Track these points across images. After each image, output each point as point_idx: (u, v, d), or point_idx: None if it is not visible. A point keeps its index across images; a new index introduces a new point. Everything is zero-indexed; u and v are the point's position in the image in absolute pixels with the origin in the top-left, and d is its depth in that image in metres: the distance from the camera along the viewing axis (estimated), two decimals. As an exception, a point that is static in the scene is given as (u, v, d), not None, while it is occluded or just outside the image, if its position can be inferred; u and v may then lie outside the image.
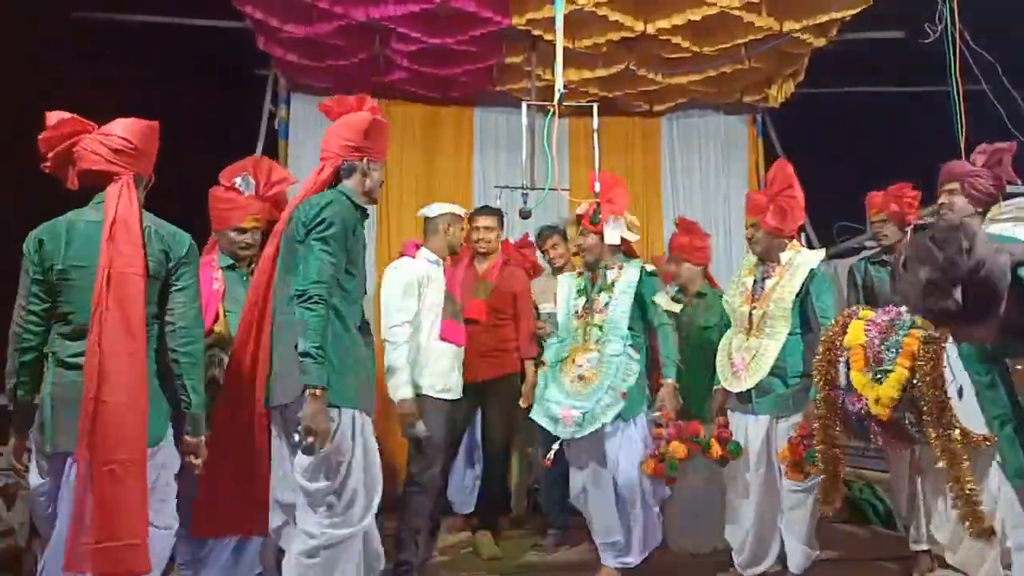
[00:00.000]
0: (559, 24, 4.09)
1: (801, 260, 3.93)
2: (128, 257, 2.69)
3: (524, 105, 4.41)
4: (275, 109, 6.91)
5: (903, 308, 3.23)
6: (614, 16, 5.70)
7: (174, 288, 2.82)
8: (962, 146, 4.19)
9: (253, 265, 3.62)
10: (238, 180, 3.65)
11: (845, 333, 3.32)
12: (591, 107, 4.38)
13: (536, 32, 5.89)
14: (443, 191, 6.93)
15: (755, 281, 4.01)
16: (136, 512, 2.58)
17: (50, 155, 2.85)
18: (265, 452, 3.02)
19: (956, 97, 4.25)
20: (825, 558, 4.09)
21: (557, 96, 3.94)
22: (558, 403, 4.05)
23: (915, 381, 3.01)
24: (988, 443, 2.85)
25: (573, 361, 4.11)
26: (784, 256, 3.97)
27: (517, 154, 6.10)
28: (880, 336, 3.19)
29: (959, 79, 4.29)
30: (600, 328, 4.08)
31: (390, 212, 6.98)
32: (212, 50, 6.76)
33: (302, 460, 2.84)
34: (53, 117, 2.86)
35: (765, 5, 5.72)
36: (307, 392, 2.75)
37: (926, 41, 4.48)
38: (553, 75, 4.62)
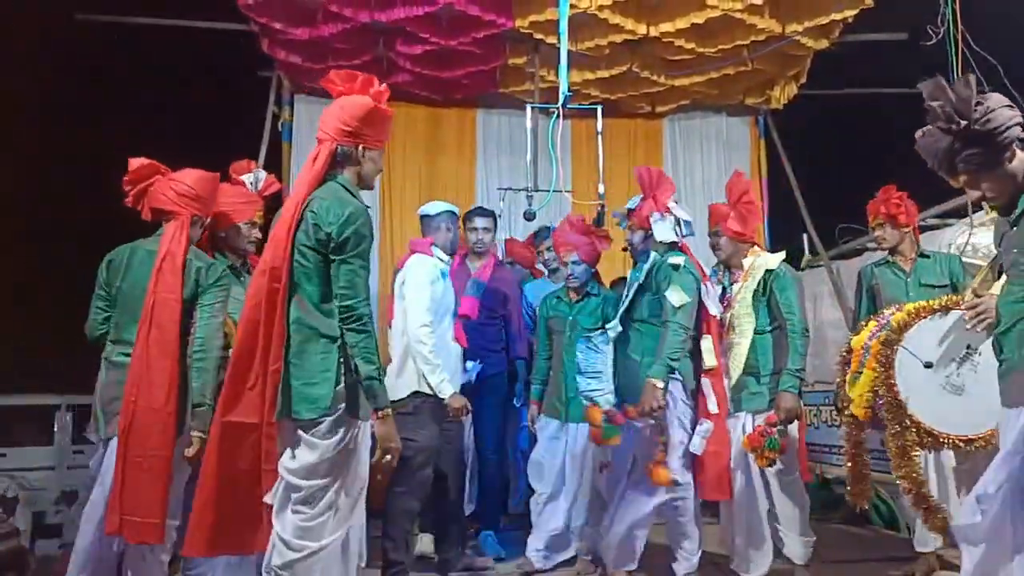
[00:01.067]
0: (563, 27, 4.10)
1: (761, 262, 4.08)
2: (170, 285, 3.23)
3: (528, 108, 4.42)
4: (278, 111, 6.92)
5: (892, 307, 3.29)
6: (616, 19, 5.72)
7: (200, 305, 3.31)
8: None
9: (248, 264, 3.70)
10: (248, 177, 3.66)
11: (858, 334, 3.37)
12: (594, 109, 4.38)
13: (538, 35, 5.91)
14: (445, 192, 6.94)
15: (723, 288, 4.17)
16: (156, 496, 3.09)
17: (131, 192, 3.43)
18: (272, 464, 2.87)
19: (958, 98, 4.24)
20: (829, 559, 4.10)
21: (561, 99, 3.94)
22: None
23: (875, 382, 3.08)
24: (967, 445, 2.90)
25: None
26: (746, 261, 4.12)
27: (519, 156, 6.13)
28: (871, 338, 3.24)
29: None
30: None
31: (392, 213, 7.00)
32: (215, 52, 6.77)
33: (303, 458, 2.77)
34: (135, 163, 3.41)
35: (767, 7, 5.74)
36: (378, 414, 2.82)
37: (928, 43, 4.49)
38: (556, 77, 4.62)
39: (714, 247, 4.22)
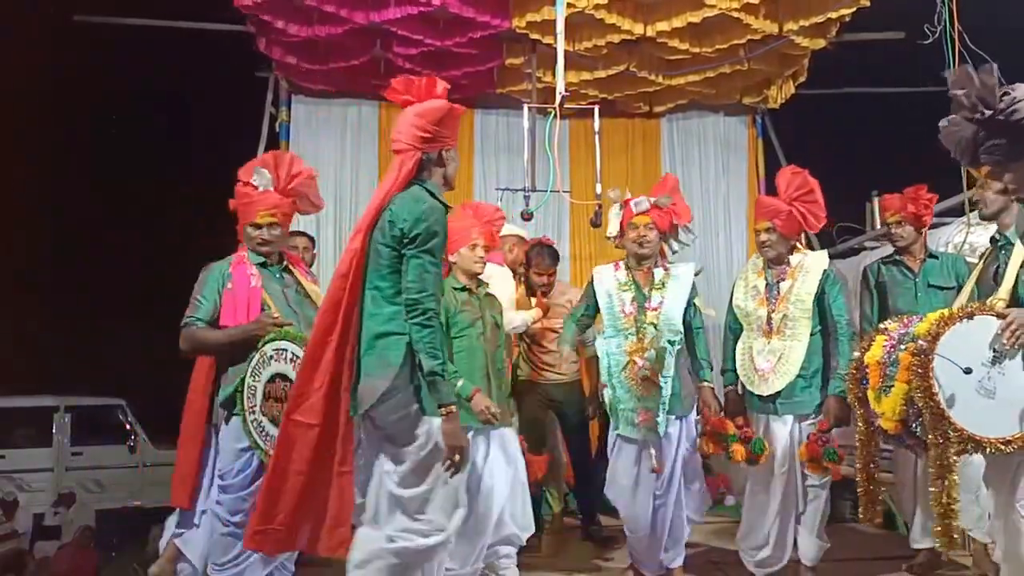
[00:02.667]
0: (560, 27, 4.10)
1: (811, 262, 3.99)
2: None
3: (525, 107, 4.43)
4: (276, 111, 6.93)
5: (912, 318, 3.26)
6: (613, 19, 5.72)
7: None
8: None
9: (286, 262, 3.65)
10: (254, 177, 3.60)
11: (869, 348, 3.33)
12: (591, 109, 4.38)
13: (535, 35, 5.91)
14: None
15: (767, 284, 4.04)
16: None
17: None
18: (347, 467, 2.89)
19: (955, 97, 4.26)
20: (828, 558, 4.11)
21: (559, 99, 3.94)
22: (632, 409, 3.97)
23: (910, 393, 3.04)
24: (1006, 447, 2.90)
25: (634, 364, 4.01)
26: (794, 259, 4.02)
27: (516, 156, 6.12)
28: (890, 351, 3.21)
29: (958, 80, 4.29)
30: (655, 326, 4.00)
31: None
32: (213, 53, 6.79)
33: (398, 466, 2.80)
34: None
35: (764, 7, 5.74)
36: (441, 410, 2.76)
37: (925, 42, 4.49)
38: (553, 77, 4.62)
39: (764, 243, 4.04)
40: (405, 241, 2.80)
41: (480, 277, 4.08)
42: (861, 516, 3.47)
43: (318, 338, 2.86)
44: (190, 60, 6.82)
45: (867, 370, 3.30)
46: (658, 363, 3.94)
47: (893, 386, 3.11)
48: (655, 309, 4.01)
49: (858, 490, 3.43)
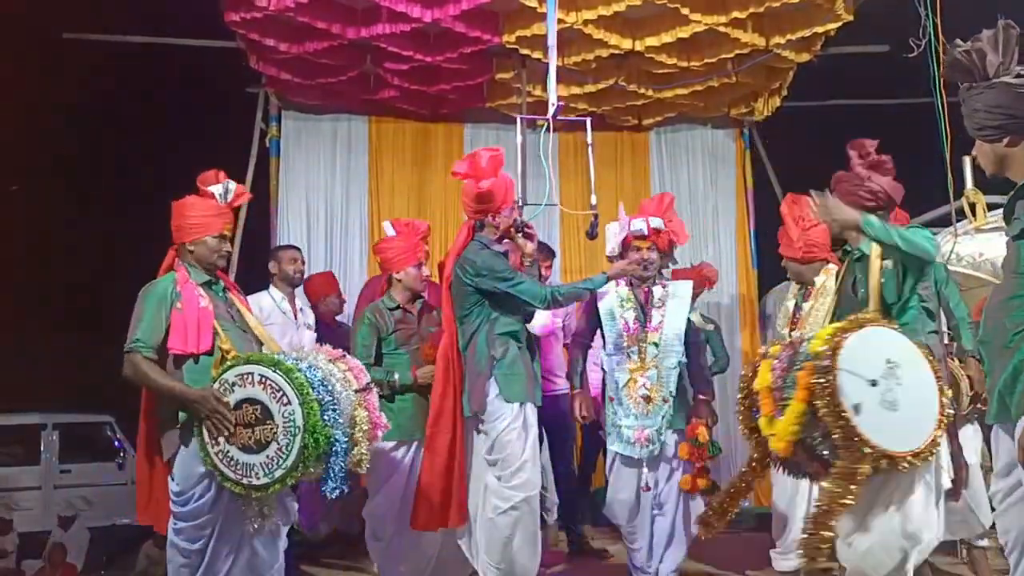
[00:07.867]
0: (552, 42, 4.14)
1: (832, 282, 4.07)
2: None
3: (518, 120, 4.46)
4: (266, 127, 6.93)
5: (803, 340, 3.16)
6: (601, 34, 5.76)
7: None
8: (947, 157, 4.28)
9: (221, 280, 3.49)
10: (218, 188, 3.44)
11: (755, 376, 3.19)
12: (582, 122, 4.41)
13: (525, 50, 5.95)
14: (434, 208, 6.99)
15: (795, 305, 4.26)
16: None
17: None
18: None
19: (940, 109, 4.32)
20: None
21: (551, 111, 3.96)
22: (630, 427, 4.02)
23: (818, 414, 2.89)
24: (916, 459, 2.90)
25: (634, 382, 4.06)
26: (818, 280, 4.19)
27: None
28: (782, 375, 3.06)
29: (943, 91, 4.36)
30: (656, 345, 4.06)
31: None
32: (202, 69, 6.79)
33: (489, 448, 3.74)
34: None
35: (750, 22, 5.80)
36: None
37: (910, 55, 4.55)
38: (543, 91, 4.67)
39: (790, 270, 4.29)
40: (477, 279, 3.80)
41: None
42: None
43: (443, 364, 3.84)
44: (179, 77, 6.81)
45: (757, 397, 3.16)
46: (660, 384, 4.01)
47: (787, 406, 2.99)
48: (656, 329, 4.08)
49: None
